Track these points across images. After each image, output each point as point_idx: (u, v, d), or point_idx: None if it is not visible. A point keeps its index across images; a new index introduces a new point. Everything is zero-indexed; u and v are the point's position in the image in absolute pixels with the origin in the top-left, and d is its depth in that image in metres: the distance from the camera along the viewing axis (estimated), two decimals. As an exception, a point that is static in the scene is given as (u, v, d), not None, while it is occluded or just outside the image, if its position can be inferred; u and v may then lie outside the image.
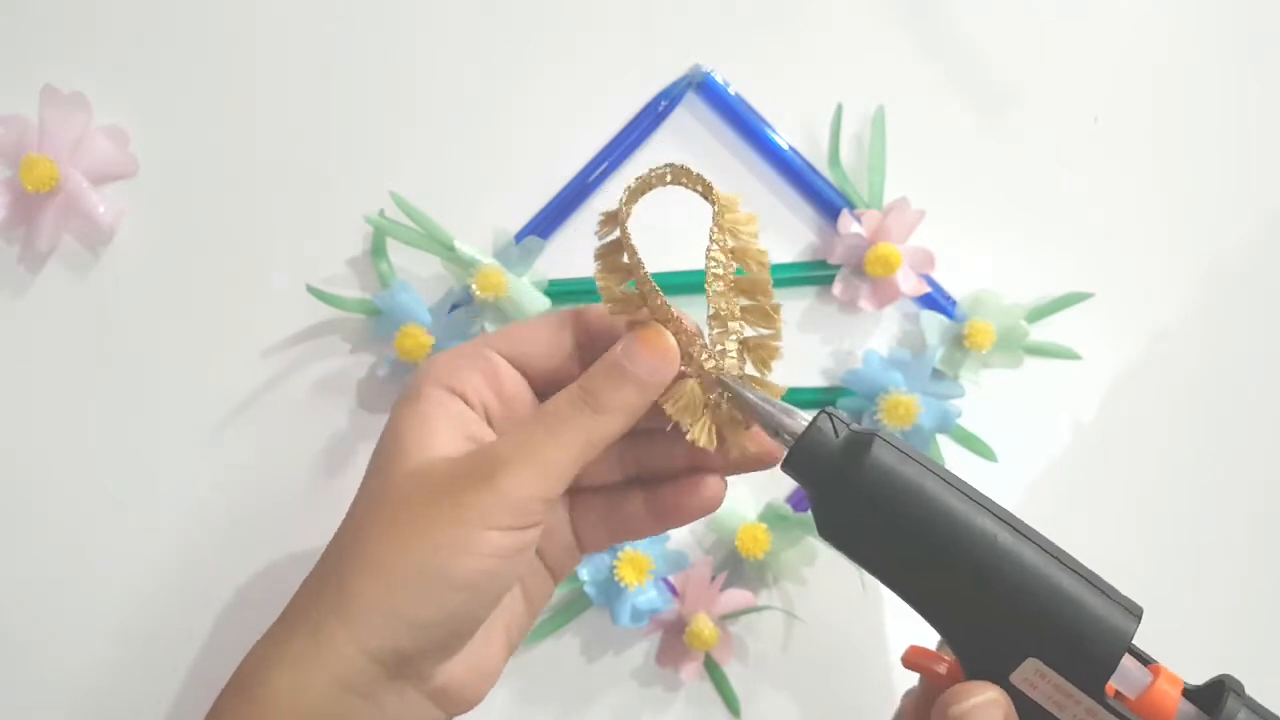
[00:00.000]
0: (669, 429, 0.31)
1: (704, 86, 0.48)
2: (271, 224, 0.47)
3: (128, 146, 0.46)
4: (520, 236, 0.47)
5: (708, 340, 0.31)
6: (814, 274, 0.48)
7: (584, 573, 0.45)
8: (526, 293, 0.45)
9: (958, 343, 0.47)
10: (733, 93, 0.48)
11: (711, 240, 0.31)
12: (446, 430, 0.31)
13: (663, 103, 0.47)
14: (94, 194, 0.45)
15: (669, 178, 0.31)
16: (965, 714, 0.28)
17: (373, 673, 0.29)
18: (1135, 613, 0.28)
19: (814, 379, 0.49)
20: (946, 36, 0.50)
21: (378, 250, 0.46)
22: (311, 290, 0.45)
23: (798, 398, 0.48)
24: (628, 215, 0.31)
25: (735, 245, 0.31)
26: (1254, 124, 0.51)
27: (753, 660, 0.48)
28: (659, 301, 0.30)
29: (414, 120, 0.48)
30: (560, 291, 0.47)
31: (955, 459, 0.48)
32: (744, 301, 0.31)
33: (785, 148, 0.48)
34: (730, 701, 0.47)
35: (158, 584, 0.46)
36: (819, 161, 0.48)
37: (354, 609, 0.29)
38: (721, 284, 0.31)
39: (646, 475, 0.34)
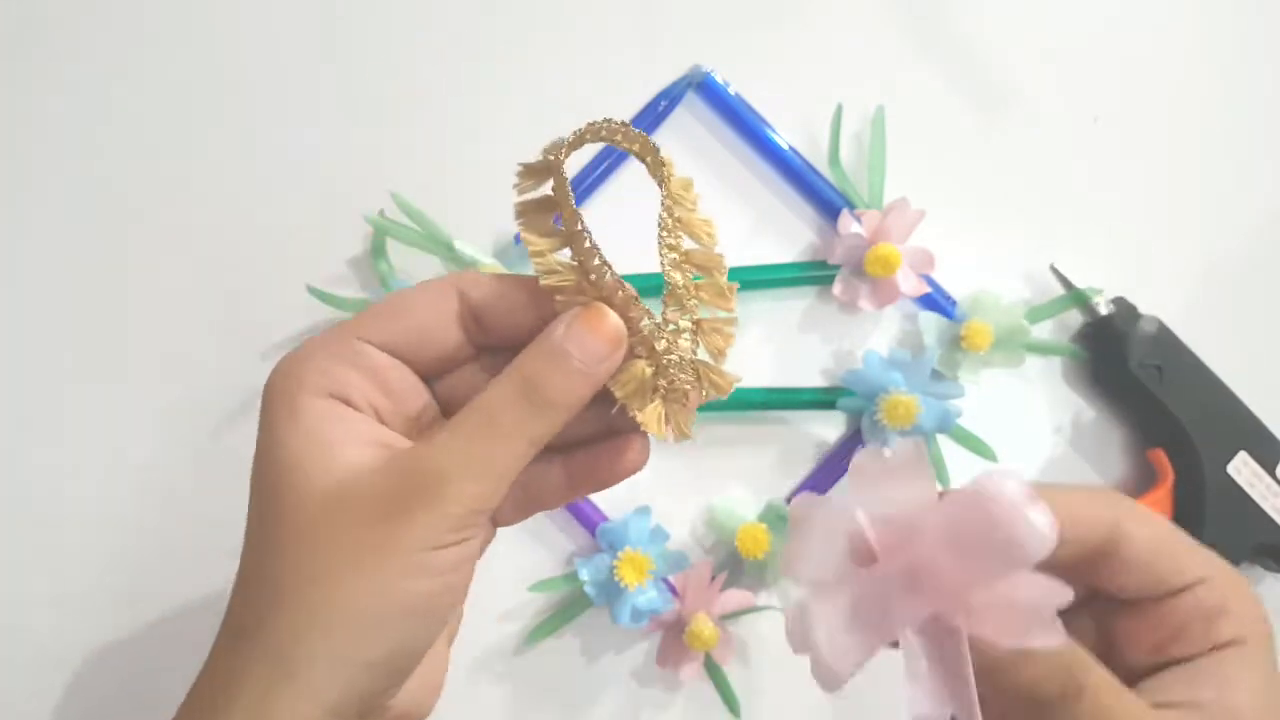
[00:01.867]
0: (614, 410, 0.28)
1: (704, 86, 0.48)
2: (271, 224, 0.47)
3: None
4: (520, 237, 0.47)
5: (660, 319, 0.28)
6: (814, 274, 0.48)
7: (584, 573, 0.45)
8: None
9: (956, 343, 0.47)
10: (733, 93, 0.48)
11: (661, 207, 0.28)
12: (348, 444, 0.26)
13: (663, 103, 0.47)
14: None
15: (604, 133, 0.27)
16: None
17: None
18: None
19: (814, 379, 0.49)
20: (946, 36, 0.50)
21: (378, 250, 0.46)
22: (312, 290, 0.45)
23: (798, 397, 0.48)
24: (561, 165, 0.27)
25: (681, 215, 0.28)
26: (1254, 123, 0.51)
27: (753, 660, 0.48)
28: (606, 274, 0.26)
29: (414, 120, 0.48)
30: (560, 291, 0.47)
31: (955, 459, 0.48)
32: (699, 278, 0.29)
33: (785, 148, 0.48)
34: (730, 702, 0.47)
35: (160, 583, 0.46)
36: (819, 161, 0.48)
37: (299, 670, 0.25)
38: (675, 254, 0.28)
39: (562, 443, 0.29)
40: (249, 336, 0.47)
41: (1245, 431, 0.47)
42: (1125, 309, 0.48)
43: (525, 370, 0.26)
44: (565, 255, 0.27)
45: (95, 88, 0.47)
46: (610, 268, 0.27)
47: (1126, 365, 0.46)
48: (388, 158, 0.47)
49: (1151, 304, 0.48)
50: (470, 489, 0.25)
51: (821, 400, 0.48)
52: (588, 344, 0.26)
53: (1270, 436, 0.47)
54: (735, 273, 0.47)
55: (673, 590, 0.46)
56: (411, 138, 0.47)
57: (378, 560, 0.25)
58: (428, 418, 0.29)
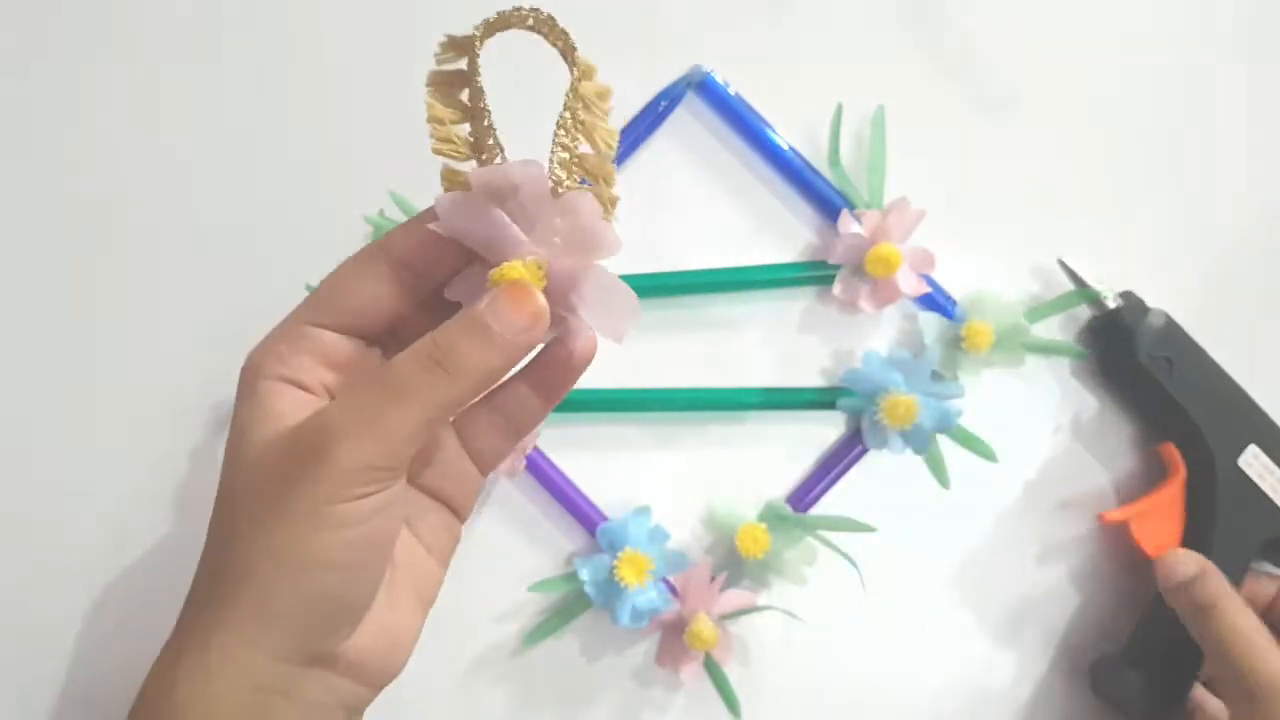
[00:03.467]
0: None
1: (704, 86, 0.48)
2: (271, 224, 0.47)
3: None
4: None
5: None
6: (814, 274, 0.48)
7: (584, 573, 0.45)
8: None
9: (957, 343, 0.47)
10: (733, 93, 0.48)
11: (565, 106, 0.28)
12: (294, 414, 0.28)
13: (663, 103, 0.47)
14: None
15: (530, 21, 0.28)
16: (1165, 555, 0.45)
17: (282, 671, 0.28)
18: None
19: (814, 379, 0.49)
20: (946, 36, 0.50)
21: (377, 250, 0.46)
22: (311, 290, 0.45)
23: (798, 397, 0.48)
24: (480, 47, 0.28)
25: (586, 119, 0.28)
26: (1254, 124, 0.51)
27: (753, 660, 0.48)
28: (497, 155, 0.28)
29: (414, 120, 0.47)
30: (560, 291, 0.47)
31: (955, 459, 0.48)
32: (585, 183, 0.29)
33: (785, 148, 0.48)
34: (730, 701, 0.47)
35: (161, 584, 0.46)
36: (819, 161, 0.48)
37: (235, 618, 0.27)
38: (567, 154, 0.28)
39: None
40: (249, 336, 0.46)
41: (1255, 425, 0.46)
42: (1133, 303, 0.48)
43: (439, 338, 0.27)
44: (464, 130, 0.29)
45: (95, 87, 0.47)
46: (502, 150, 0.28)
47: (1135, 358, 0.46)
48: (388, 158, 0.47)
49: (1156, 299, 0.48)
50: (360, 447, 0.26)
51: (821, 400, 0.48)
52: (508, 317, 0.27)
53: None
54: (735, 273, 0.47)
55: (672, 590, 0.46)
56: (411, 138, 0.47)
57: (281, 515, 0.27)
58: None
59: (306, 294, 0.44)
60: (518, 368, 0.30)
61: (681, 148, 0.49)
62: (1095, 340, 0.49)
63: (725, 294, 0.48)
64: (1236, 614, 0.42)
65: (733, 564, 0.47)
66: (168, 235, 0.47)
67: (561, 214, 0.28)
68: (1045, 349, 0.49)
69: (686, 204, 0.49)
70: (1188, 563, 0.44)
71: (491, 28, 0.28)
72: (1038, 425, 0.49)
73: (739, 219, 0.49)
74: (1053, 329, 0.49)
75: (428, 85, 0.29)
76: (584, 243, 0.28)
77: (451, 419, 0.32)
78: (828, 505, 0.48)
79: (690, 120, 0.49)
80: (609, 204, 0.29)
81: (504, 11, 0.28)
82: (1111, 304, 0.48)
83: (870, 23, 0.49)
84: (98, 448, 0.46)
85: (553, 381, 0.31)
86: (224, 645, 0.27)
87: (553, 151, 0.28)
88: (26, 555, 0.46)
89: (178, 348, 0.47)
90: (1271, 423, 0.47)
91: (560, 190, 0.28)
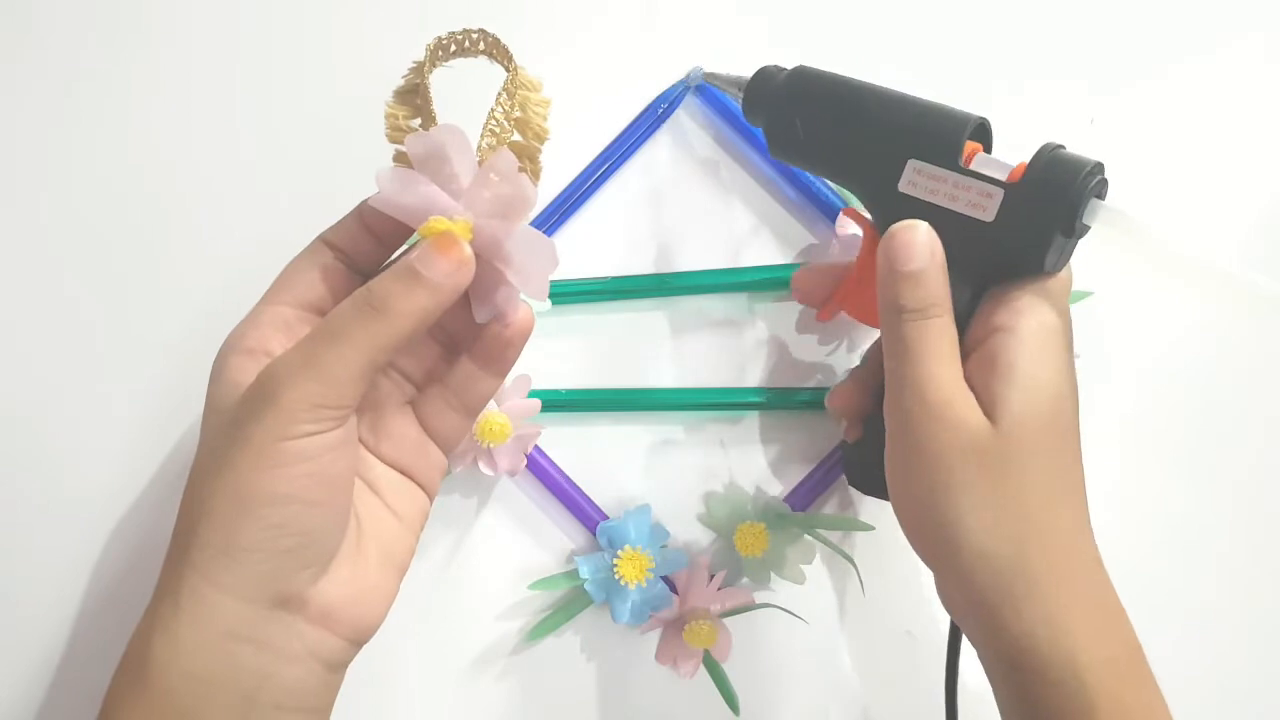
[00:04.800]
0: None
1: (703, 89, 0.48)
2: (271, 224, 0.47)
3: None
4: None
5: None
6: (812, 275, 0.49)
7: (584, 571, 0.45)
8: (527, 293, 0.46)
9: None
10: (732, 95, 0.48)
11: (497, 103, 0.32)
12: (251, 378, 0.31)
13: (662, 105, 0.48)
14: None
15: (481, 45, 0.32)
16: (897, 229, 0.35)
17: (248, 613, 0.29)
18: (975, 116, 0.37)
19: (811, 379, 0.49)
20: (944, 38, 0.50)
21: (380, 251, 0.46)
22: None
23: (796, 398, 0.48)
24: (432, 67, 0.32)
25: (520, 116, 0.33)
26: (1253, 124, 0.51)
27: (751, 657, 0.48)
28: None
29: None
30: (561, 292, 0.47)
31: (952, 458, 0.49)
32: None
33: (784, 149, 0.48)
34: (729, 698, 0.47)
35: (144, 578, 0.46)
36: (817, 163, 0.49)
37: (201, 558, 0.29)
38: (495, 140, 0.32)
39: (460, 337, 0.35)
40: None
41: (909, 139, 0.37)
42: (767, 72, 0.41)
43: (372, 285, 0.30)
44: (415, 124, 0.33)
45: (95, 87, 0.48)
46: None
47: (779, 135, 0.40)
48: (387, 158, 0.47)
49: (1151, 302, 0.48)
50: (305, 387, 0.29)
51: (820, 400, 0.48)
52: (434, 262, 0.30)
53: (944, 120, 0.37)
54: (735, 273, 0.48)
55: (672, 588, 0.47)
56: (413, 139, 0.48)
57: (236, 454, 0.29)
58: None
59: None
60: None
61: (681, 149, 0.49)
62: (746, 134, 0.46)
63: (725, 294, 0.48)
64: (941, 334, 0.34)
65: (732, 562, 0.48)
66: (166, 235, 0.47)
67: (485, 183, 0.31)
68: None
69: (686, 205, 0.49)
70: (920, 248, 0.35)
71: (438, 58, 0.32)
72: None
73: (738, 220, 0.49)
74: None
75: (394, 94, 0.33)
76: (508, 204, 0.31)
77: (408, 400, 0.35)
78: (826, 504, 0.48)
79: (690, 122, 0.49)
80: (533, 175, 0.33)
81: (454, 33, 0.32)
82: (736, 92, 0.42)
83: (869, 24, 0.50)
84: (96, 446, 0.47)
85: (496, 356, 0.34)
86: (194, 588, 0.29)
87: (482, 138, 0.32)
88: (26, 555, 0.46)
89: (179, 346, 0.47)
90: (929, 120, 0.37)
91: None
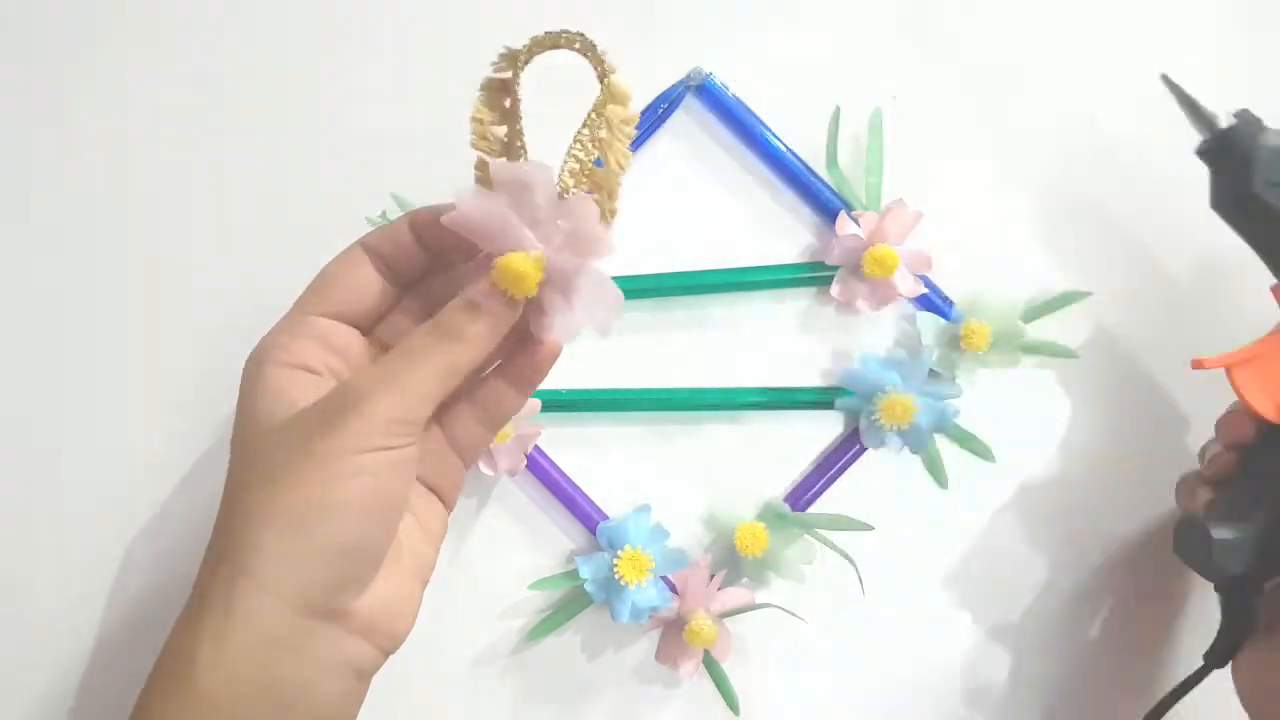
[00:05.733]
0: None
1: (703, 89, 0.48)
2: (271, 225, 0.47)
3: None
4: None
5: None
6: (812, 275, 0.49)
7: (584, 571, 0.45)
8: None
9: (954, 343, 0.48)
10: (732, 95, 0.48)
11: (585, 124, 0.31)
12: (302, 392, 0.31)
13: (662, 105, 0.48)
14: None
15: (577, 44, 0.32)
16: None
17: (295, 621, 0.29)
18: None
19: (812, 379, 0.49)
20: (945, 37, 0.50)
21: (379, 251, 0.46)
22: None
23: (796, 397, 0.48)
24: (527, 61, 0.31)
25: (605, 137, 0.32)
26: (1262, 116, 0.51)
27: (751, 657, 0.48)
28: (521, 157, 0.31)
29: (414, 120, 0.48)
30: (561, 292, 0.47)
31: (953, 459, 0.49)
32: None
33: (784, 150, 0.48)
34: (729, 698, 0.47)
35: (165, 582, 0.46)
36: (817, 163, 0.49)
37: (257, 563, 0.29)
38: (578, 165, 0.32)
39: (492, 356, 0.35)
40: (249, 335, 0.47)
41: None
42: (1248, 121, 0.41)
43: (442, 315, 0.31)
44: (501, 131, 0.32)
45: (96, 87, 0.48)
46: (526, 154, 0.31)
47: (1249, 186, 0.40)
48: (388, 158, 0.48)
49: (1150, 303, 0.48)
50: (386, 401, 0.30)
51: (819, 400, 0.48)
52: (495, 297, 0.31)
53: None
54: (735, 273, 0.48)
55: (672, 588, 0.47)
56: (411, 138, 0.48)
57: (313, 464, 0.29)
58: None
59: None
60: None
61: (681, 149, 0.49)
62: (1206, 165, 0.43)
63: (725, 294, 0.48)
64: None
65: (731, 562, 0.48)
66: (167, 235, 0.47)
67: (564, 216, 0.31)
68: (1040, 350, 0.49)
69: (686, 205, 0.49)
70: None
71: (540, 45, 0.31)
72: (1035, 425, 0.50)
73: (738, 220, 0.49)
74: (1049, 330, 0.50)
75: (480, 89, 0.31)
76: (582, 243, 0.31)
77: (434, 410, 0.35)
78: (826, 504, 0.48)
79: (690, 122, 0.49)
80: (609, 214, 0.32)
81: (553, 32, 0.31)
82: (1224, 123, 0.41)
83: (868, 25, 0.50)
84: (97, 446, 0.47)
85: (524, 375, 0.35)
86: (247, 593, 0.29)
87: (565, 160, 0.31)
88: (27, 555, 0.46)
89: (179, 346, 0.47)
90: None
91: (566, 196, 0.31)
